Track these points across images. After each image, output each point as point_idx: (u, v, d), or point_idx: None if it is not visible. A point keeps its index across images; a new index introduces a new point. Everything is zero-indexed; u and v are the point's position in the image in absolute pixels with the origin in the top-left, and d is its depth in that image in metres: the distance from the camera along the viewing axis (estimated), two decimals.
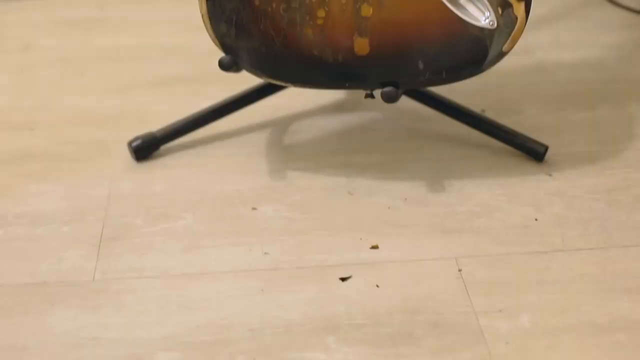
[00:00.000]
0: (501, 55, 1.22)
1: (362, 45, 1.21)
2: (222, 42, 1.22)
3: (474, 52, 1.21)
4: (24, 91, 1.58)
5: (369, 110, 1.47)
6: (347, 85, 1.24)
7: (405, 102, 1.41)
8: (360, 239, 1.20)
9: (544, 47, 1.72)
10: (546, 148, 1.35)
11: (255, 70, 1.23)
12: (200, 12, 1.21)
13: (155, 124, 1.40)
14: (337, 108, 1.50)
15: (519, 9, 1.19)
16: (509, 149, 1.37)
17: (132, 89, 1.58)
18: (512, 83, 1.58)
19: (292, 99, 1.46)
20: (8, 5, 1.94)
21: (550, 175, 1.33)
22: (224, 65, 1.22)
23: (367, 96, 1.27)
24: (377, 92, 1.23)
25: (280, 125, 1.45)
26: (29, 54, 1.73)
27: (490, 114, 1.46)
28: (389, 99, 1.21)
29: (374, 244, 1.19)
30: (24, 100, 1.56)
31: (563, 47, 1.73)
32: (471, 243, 1.20)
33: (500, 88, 1.57)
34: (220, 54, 1.22)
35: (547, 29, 1.80)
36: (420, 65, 1.22)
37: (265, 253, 1.18)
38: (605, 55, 1.70)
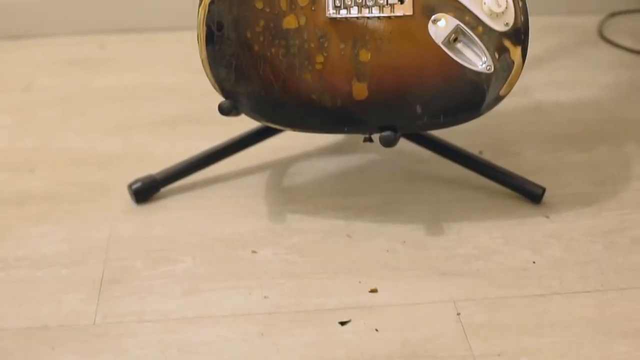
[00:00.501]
0: (498, 99, 1.23)
1: (360, 90, 1.22)
2: (222, 86, 1.23)
3: (472, 96, 1.22)
4: (25, 131, 1.60)
5: (367, 152, 1.48)
6: (345, 129, 1.25)
7: (403, 143, 1.42)
8: (359, 282, 1.21)
9: (541, 87, 1.74)
10: (543, 190, 1.36)
11: (255, 114, 1.25)
12: (200, 57, 1.22)
13: (156, 165, 1.41)
14: (335, 149, 1.51)
15: (515, 54, 1.21)
16: (507, 190, 1.38)
17: (132, 129, 1.59)
18: (510, 123, 1.59)
19: (291, 140, 1.48)
20: (10, 44, 1.95)
21: (547, 217, 1.34)
22: (223, 110, 1.23)
23: (365, 140, 1.29)
24: (376, 136, 1.24)
25: (279, 167, 1.46)
26: (30, 93, 1.74)
27: (488, 155, 1.47)
28: (387, 143, 1.22)
29: (373, 287, 1.20)
30: (24, 140, 1.57)
31: (560, 87, 1.74)
32: (470, 286, 1.20)
33: (498, 128, 1.58)
34: (219, 96, 1.23)
35: (543, 69, 1.81)
36: (418, 110, 1.23)
37: (264, 297, 1.18)
38: (602, 95, 1.72)
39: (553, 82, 1.76)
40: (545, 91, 1.72)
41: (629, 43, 1.93)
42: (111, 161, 1.49)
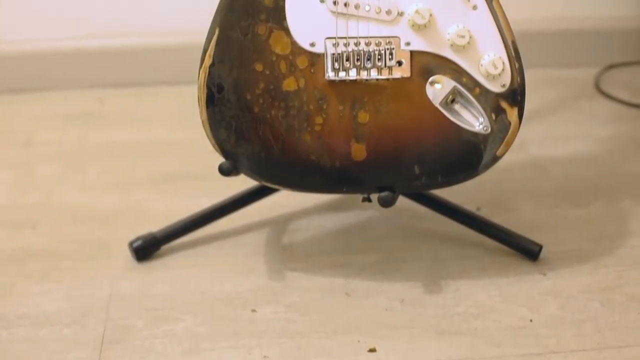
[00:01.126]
0: (495, 159, 1.24)
1: (359, 151, 1.23)
2: (222, 147, 1.24)
3: (469, 156, 1.24)
4: (25, 188, 1.61)
5: (366, 209, 1.50)
6: (344, 190, 1.27)
7: (400, 199, 1.43)
8: (358, 341, 1.22)
9: (538, 141, 1.75)
10: (540, 247, 1.37)
11: (255, 175, 1.26)
12: (201, 118, 1.24)
13: (156, 222, 1.42)
14: (334, 206, 1.52)
15: (512, 114, 1.22)
16: (504, 247, 1.39)
17: (132, 186, 1.60)
18: (507, 180, 1.61)
19: (289, 197, 1.48)
20: (11, 98, 1.97)
21: (544, 274, 1.35)
22: (223, 171, 1.25)
23: (364, 200, 1.30)
24: (374, 196, 1.25)
25: (278, 224, 1.48)
26: (30, 148, 1.76)
27: (486, 211, 1.48)
28: (386, 203, 1.23)
29: (372, 347, 1.21)
30: (25, 197, 1.58)
31: (557, 141, 1.76)
32: (467, 345, 1.21)
33: (495, 184, 1.59)
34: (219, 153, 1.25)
35: (540, 123, 1.83)
36: (417, 170, 1.24)
37: (264, 357, 1.19)
38: (599, 149, 1.73)
39: (550, 136, 1.78)
40: (543, 146, 1.74)
41: (625, 96, 1.95)
42: (111, 218, 1.50)
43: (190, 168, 1.65)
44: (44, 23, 2.00)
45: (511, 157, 1.61)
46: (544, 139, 1.76)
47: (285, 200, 1.50)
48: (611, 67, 2.10)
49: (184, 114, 1.83)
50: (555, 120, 1.85)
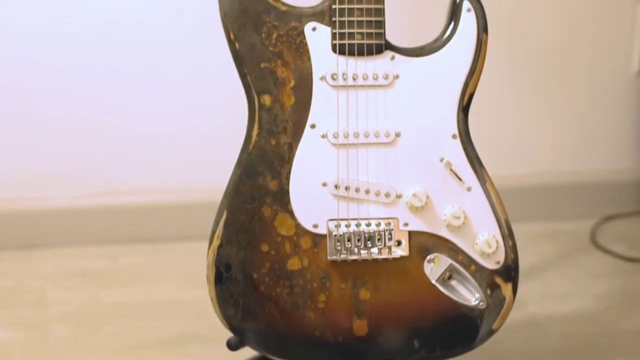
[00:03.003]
0: (491, 332, 1.30)
1: (360, 327, 1.29)
2: (230, 323, 1.30)
3: (466, 330, 1.30)
4: (39, 350, 1.66)
5: None
6: None
7: None
8: None
9: (536, 299, 1.80)
10: None
11: (261, 348, 1.31)
12: (210, 295, 1.30)
13: None
14: None
15: (506, 290, 1.28)
16: None
17: (142, 349, 1.65)
18: (506, 340, 1.64)
19: None
20: (22, 254, 2.03)
21: None
22: (231, 346, 1.31)
23: None
24: None
25: None
26: (42, 308, 1.81)
27: None
28: None
29: None
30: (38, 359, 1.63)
31: (554, 299, 1.81)
32: None
33: (494, 344, 1.63)
34: None
35: (538, 280, 1.89)
36: (416, 344, 1.30)
37: None
38: (595, 306, 1.78)
39: (548, 293, 1.83)
40: (540, 304, 1.79)
41: (621, 248, 2.01)
42: None
43: (199, 330, 1.70)
44: (58, 180, 2.08)
45: (511, 316, 1.66)
46: (542, 297, 1.82)
47: None
48: (607, 218, 2.16)
49: (194, 271, 1.88)
50: (553, 277, 1.90)
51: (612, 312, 1.76)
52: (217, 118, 2.04)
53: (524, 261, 1.85)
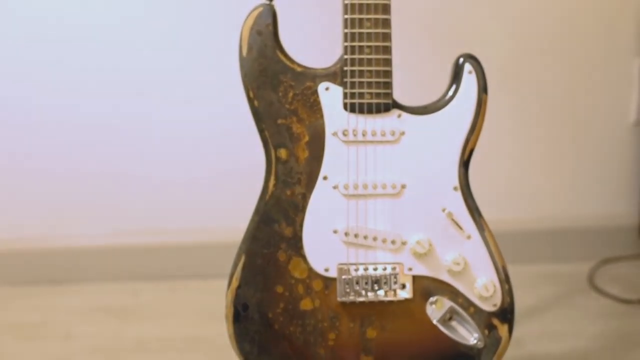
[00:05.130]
0: None
1: None
2: (246, 358, 1.41)
3: None
4: None
5: None
6: None
7: None
8: None
9: (534, 338, 1.90)
10: None
11: None
12: (228, 332, 1.40)
13: None
14: None
15: (503, 330, 1.39)
16: None
17: None
18: None
19: None
20: (50, 289, 2.14)
21: None
22: None
23: None
24: None
25: None
26: (69, 342, 1.91)
27: None
28: None
29: None
30: None
31: (552, 338, 1.90)
32: None
33: None
34: None
35: (537, 320, 1.98)
36: None
37: None
38: (591, 345, 1.88)
39: (546, 333, 1.92)
40: (538, 343, 1.88)
41: (617, 291, 2.11)
42: None
43: None
44: (84, 220, 2.19)
45: (509, 354, 1.76)
46: (540, 336, 1.91)
47: None
48: (605, 261, 2.26)
49: (211, 308, 1.98)
50: (551, 317, 1.99)
51: (607, 351, 1.85)
52: (234, 164, 2.16)
53: (524, 301, 1.97)
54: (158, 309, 2.06)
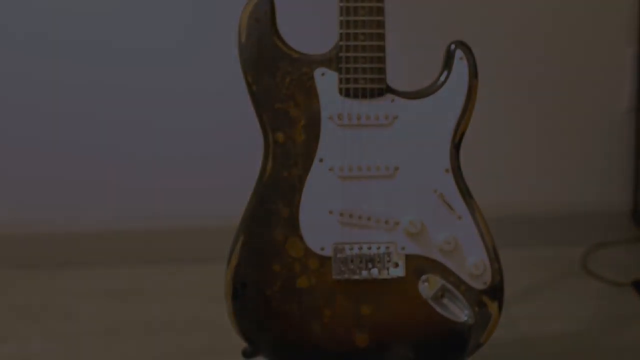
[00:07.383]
0: (479, 345, 1.45)
1: (361, 339, 1.45)
2: (245, 334, 1.45)
3: (456, 343, 1.45)
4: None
5: None
6: None
7: None
8: None
9: (528, 320, 1.93)
10: None
11: (272, 357, 1.47)
12: (227, 310, 1.45)
13: None
14: None
15: (493, 307, 1.43)
16: None
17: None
18: (498, 356, 1.78)
19: None
20: (54, 273, 2.18)
21: None
22: (246, 355, 1.46)
23: None
24: None
25: None
26: (73, 322, 1.95)
27: None
28: None
29: None
30: None
31: (545, 320, 1.93)
32: None
33: None
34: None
35: (530, 302, 2.02)
36: (411, 355, 1.45)
37: None
38: (584, 326, 1.91)
39: (539, 315, 1.94)
40: (531, 325, 1.91)
41: (610, 275, 2.14)
42: None
43: (219, 345, 1.83)
44: (88, 206, 2.23)
45: (503, 334, 1.80)
46: (533, 318, 1.94)
47: None
48: (598, 246, 2.30)
49: (213, 290, 2.02)
50: (544, 300, 2.03)
51: (599, 333, 1.89)
52: (235, 148, 2.20)
53: (518, 284, 2.01)
54: (160, 292, 2.10)
